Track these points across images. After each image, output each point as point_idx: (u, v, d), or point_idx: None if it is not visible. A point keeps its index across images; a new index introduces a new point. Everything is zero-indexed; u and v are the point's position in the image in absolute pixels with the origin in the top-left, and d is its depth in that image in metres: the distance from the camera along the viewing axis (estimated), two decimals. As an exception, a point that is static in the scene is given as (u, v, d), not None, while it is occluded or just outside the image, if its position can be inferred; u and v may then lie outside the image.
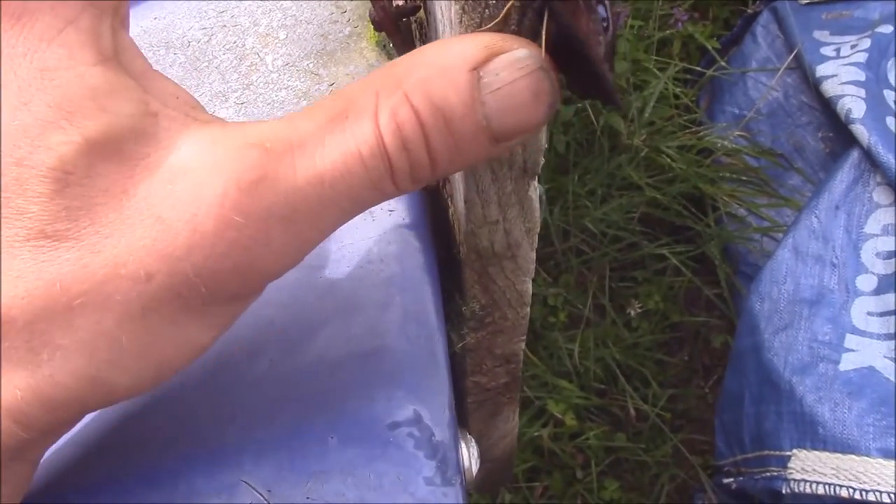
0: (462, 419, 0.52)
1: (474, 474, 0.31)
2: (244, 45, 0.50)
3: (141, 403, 0.31)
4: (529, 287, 0.39)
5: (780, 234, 1.19)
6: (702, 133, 1.34)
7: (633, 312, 1.32)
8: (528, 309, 0.41)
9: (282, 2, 0.51)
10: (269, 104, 0.45)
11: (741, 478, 1.10)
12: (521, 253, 0.36)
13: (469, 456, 0.31)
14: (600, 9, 0.22)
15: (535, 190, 0.33)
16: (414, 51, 0.23)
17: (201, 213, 0.21)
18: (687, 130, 1.35)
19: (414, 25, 0.38)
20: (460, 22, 0.27)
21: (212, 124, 0.23)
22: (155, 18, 0.53)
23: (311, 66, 0.46)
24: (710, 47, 1.38)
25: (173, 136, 0.22)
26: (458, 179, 0.33)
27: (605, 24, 0.23)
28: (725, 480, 1.12)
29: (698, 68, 1.41)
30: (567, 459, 1.25)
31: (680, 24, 1.38)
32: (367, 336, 0.31)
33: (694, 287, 1.34)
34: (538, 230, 0.35)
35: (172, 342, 0.22)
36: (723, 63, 1.37)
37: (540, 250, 1.35)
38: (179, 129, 0.22)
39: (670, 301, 1.33)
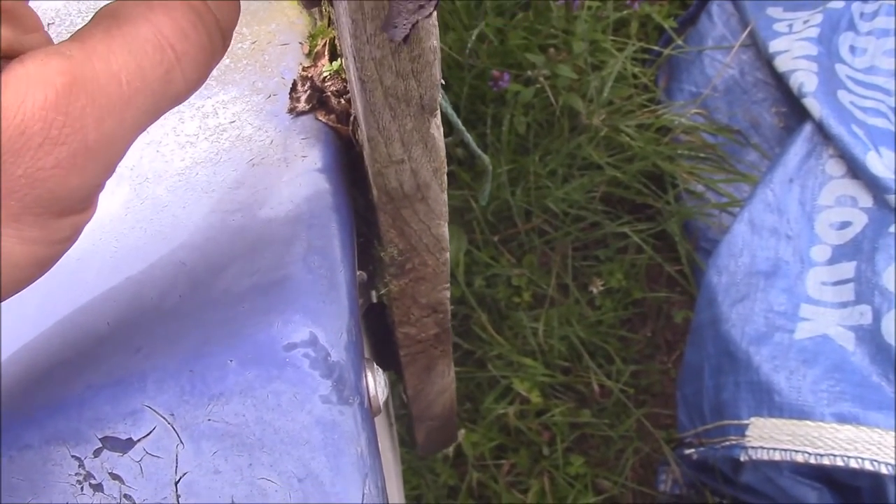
0: (387, 367, 0.53)
1: (381, 403, 0.32)
2: (173, 10, 0.50)
3: (46, 340, 0.31)
4: (446, 231, 0.40)
5: (738, 210, 1.21)
6: (660, 111, 1.36)
7: (595, 290, 1.33)
8: (448, 255, 0.42)
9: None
10: (193, 63, 0.46)
11: (702, 448, 1.12)
12: (432, 195, 0.37)
13: (375, 384, 0.32)
14: None
15: (438, 128, 0.34)
16: None
17: (27, 116, 0.23)
18: (645, 109, 1.36)
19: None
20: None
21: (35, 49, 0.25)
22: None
23: (234, 25, 0.47)
24: (667, 27, 1.40)
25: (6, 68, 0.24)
26: (361, 120, 0.34)
27: None
28: (687, 452, 1.14)
29: (656, 48, 1.42)
30: (533, 437, 1.26)
31: (637, 4, 1.39)
32: (271, 269, 0.32)
33: (655, 264, 1.35)
34: (446, 170, 0.36)
35: None
36: (680, 42, 1.39)
37: (503, 231, 1.37)
38: (12, 64, 0.24)
39: (632, 278, 1.35)
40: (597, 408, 1.28)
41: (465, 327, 1.31)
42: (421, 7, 0.29)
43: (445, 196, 0.38)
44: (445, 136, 0.92)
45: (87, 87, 0.23)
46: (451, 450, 1.21)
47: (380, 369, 0.33)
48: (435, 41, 0.31)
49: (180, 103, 0.26)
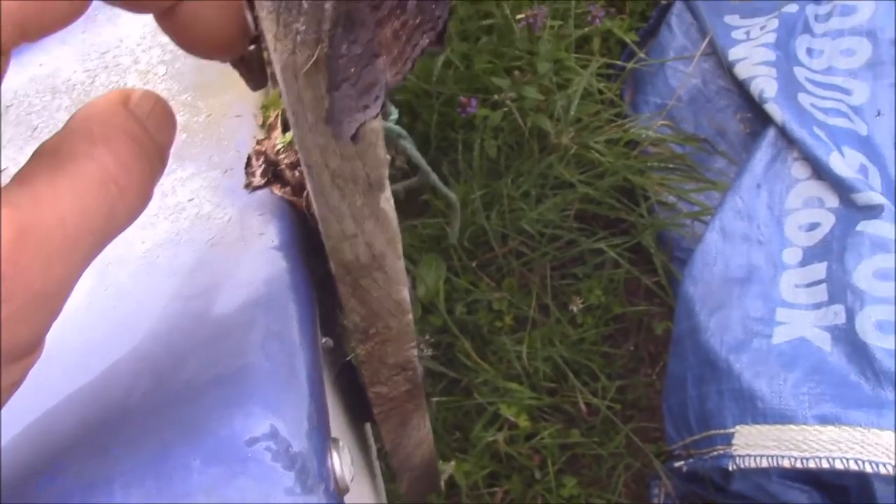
0: (360, 423, 0.53)
1: (348, 481, 0.32)
2: (126, 84, 0.51)
3: (13, 443, 0.31)
4: (406, 295, 0.40)
5: (710, 218, 1.22)
6: (627, 125, 1.37)
7: (576, 309, 1.34)
8: (411, 316, 0.42)
9: (161, 38, 0.52)
10: (147, 141, 0.46)
11: (691, 460, 1.12)
12: (388, 263, 0.38)
13: (341, 463, 0.32)
14: None
15: (388, 201, 0.35)
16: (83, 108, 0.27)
17: None
18: (613, 124, 1.37)
19: (265, 54, 0.39)
20: (274, 49, 0.28)
21: None
22: (41, 65, 0.54)
23: (189, 98, 0.47)
24: (628, 41, 1.41)
25: None
26: (313, 199, 0.34)
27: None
28: (677, 464, 1.14)
29: (619, 62, 1.44)
30: (524, 461, 1.26)
31: (597, 20, 1.40)
32: (231, 357, 0.32)
33: (633, 278, 1.36)
34: (400, 239, 0.37)
35: None
36: (642, 55, 1.40)
37: (480, 256, 1.37)
38: None
39: (611, 294, 1.36)
40: (585, 427, 1.29)
41: (449, 356, 1.31)
42: (366, 108, 0.29)
43: (402, 263, 0.38)
44: (411, 174, 0.92)
45: (34, 236, 0.23)
46: (443, 481, 1.21)
47: (345, 446, 0.33)
48: (376, 123, 0.31)
49: (123, 231, 0.26)
